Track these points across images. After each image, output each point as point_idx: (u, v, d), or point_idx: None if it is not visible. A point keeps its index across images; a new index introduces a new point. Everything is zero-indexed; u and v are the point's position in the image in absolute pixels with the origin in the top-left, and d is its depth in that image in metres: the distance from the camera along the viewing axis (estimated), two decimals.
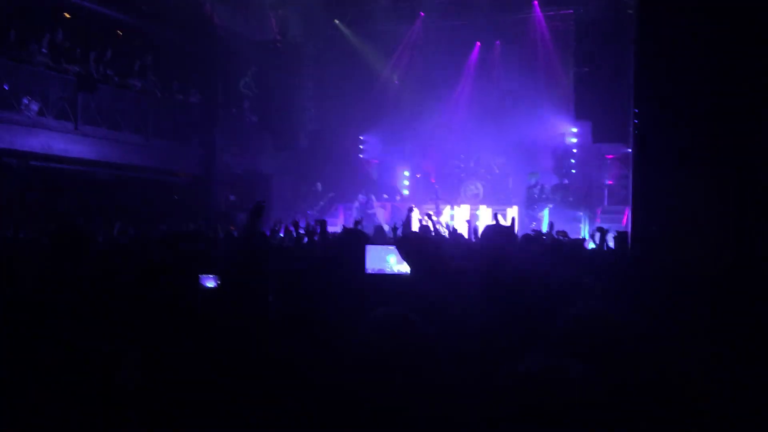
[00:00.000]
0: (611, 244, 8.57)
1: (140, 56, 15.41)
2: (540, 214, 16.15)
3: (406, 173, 19.34)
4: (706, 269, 2.98)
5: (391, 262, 3.16)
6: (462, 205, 17.19)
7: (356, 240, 3.68)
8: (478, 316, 2.23)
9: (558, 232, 7.34)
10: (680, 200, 3.21)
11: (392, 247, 3.11)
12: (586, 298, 2.36)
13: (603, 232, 9.55)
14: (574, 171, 17.47)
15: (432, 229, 7.74)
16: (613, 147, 15.83)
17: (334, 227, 14.01)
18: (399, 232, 8.42)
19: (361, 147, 19.87)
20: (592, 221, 15.41)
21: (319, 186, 18.76)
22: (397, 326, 1.82)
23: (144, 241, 7.76)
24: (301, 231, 8.39)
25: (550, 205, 16.19)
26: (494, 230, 4.34)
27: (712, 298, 2.57)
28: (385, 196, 18.53)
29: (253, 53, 17.67)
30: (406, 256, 2.68)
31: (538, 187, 16.50)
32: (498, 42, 18.74)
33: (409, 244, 2.73)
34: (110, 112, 14.10)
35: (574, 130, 17.37)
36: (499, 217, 9.81)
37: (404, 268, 3.01)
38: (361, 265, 3.11)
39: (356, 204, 17.35)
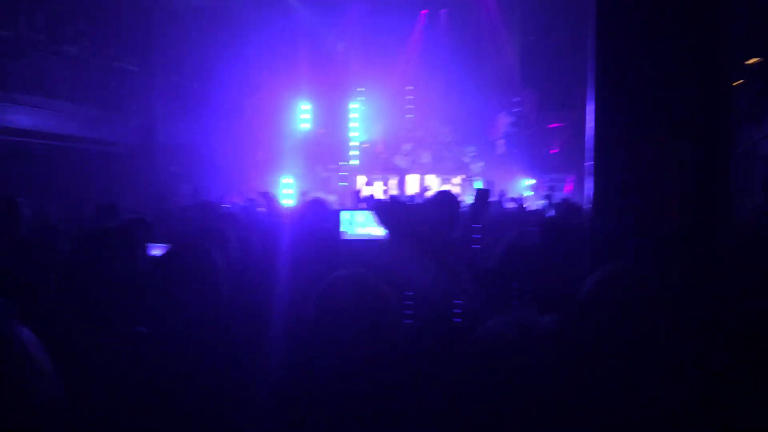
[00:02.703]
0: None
1: (74, 21, 14.72)
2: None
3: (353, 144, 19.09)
4: (667, 237, 2.98)
5: (365, 226, 3.08)
6: (411, 175, 17.19)
7: (322, 207, 3.59)
8: (450, 280, 2.16)
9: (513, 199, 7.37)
10: (640, 170, 3.19)
11: (364, 212, 3.03)
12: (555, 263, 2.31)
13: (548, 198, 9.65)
14: (518, 141, 17.63)
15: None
16: (558, 116, 16.01)
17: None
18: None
19: (303, 116, 19.54)
20: (536, 190, 15.60)
21: (260, 156, 18.41)
22: (354, 286, 1.74)
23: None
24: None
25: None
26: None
27: (673, 266, 2.57)
28: (332, 166, 18.36)
29: (193, 19, 17.11)
30: (382, 220, 2.61)
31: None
32: (444, 10, 18.64)
33: (386, 209, 2.66)
34: (43, 79, 13.46)
35: (518, 99, 17.48)
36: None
37: (374, 232, 2.95)
38: (337, 230, 3.03)
39: None
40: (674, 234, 3.07)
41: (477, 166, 16.99)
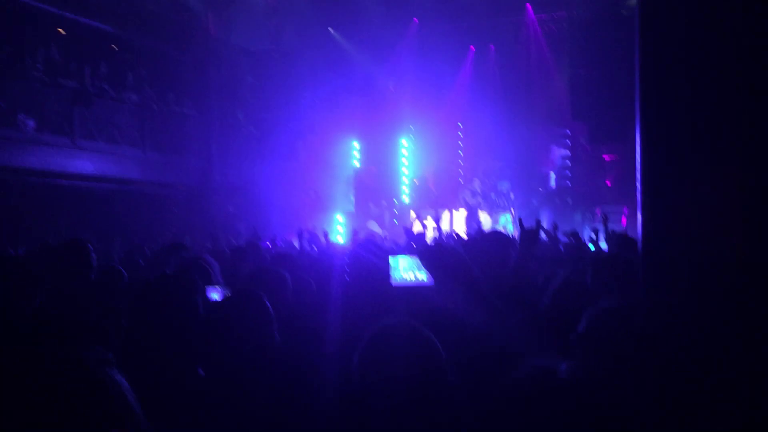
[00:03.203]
0: (603, 245, 8.55)
1: (135, 69, 15.42)
2: (502, 219, 16.31)
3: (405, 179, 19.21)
4: (722, 268, 2.95)
5: (411, 271, 3.13)
6: (460, 210, 17.18)
7: (375, 250, 3.67)
8: (497, 325, 2.21)
9: (565, 233, 7.31)
10: (690, 198, 3.18)
11: (412, 257, 3.07)
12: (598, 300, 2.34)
13: (596, 233, 9.53)
14: (570, 173, 17.50)
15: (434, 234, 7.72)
16: (609, 148, 15.87)
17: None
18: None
19: (356, 154, 19.82)
20: (590, 223, 15.40)
21: (313, 194, 18.72)
22: (401, 336, 1.80)
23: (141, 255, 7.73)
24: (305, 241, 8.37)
25: (512, 211, 16.38)
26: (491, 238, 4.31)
27: (730, 296, 2.55)
28: (384, 202, 18.51)
29: (248, 63, 17.69)
30: (429, 265, 2.65)
31: (504, 193, 16.77)
32: (492, 46, 18.77)
33: (432, 253, 2.71)
34: (107, 125, 14.10)
35: (569, 132, 17.39)
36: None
37: (423, 276, 3.00)
38: (387, 277, 3.08)
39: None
40: (732, 269, 3.04)
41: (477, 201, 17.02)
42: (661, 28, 3.56)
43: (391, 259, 3.06)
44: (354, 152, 19.44)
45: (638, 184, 3.62)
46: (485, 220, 16.20)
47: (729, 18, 3.44)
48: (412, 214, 17.24)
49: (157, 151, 15.30)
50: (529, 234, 3.74)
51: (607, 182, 17.05)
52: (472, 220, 16.24)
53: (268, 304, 2.35)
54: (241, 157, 17.48)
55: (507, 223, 15.90)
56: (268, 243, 9.93)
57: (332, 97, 18.45)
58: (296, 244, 8.70)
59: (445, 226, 16.24)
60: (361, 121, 18.64)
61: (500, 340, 2.11)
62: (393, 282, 3.03)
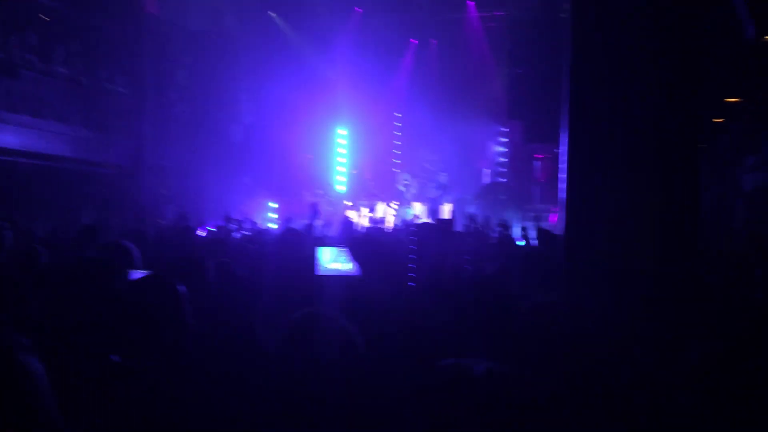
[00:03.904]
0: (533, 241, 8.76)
1: (66, 42, 14.81)
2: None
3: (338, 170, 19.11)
4: (642, 267, 3.07)
5: (338, 262, 3.12)
6: (396, 202, 17.27)
7: (300, 240, 3.63)
8: (424, 316, 2.22)
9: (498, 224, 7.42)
10: (611, 200, 3.28)
11: (340, 248, 3.07)
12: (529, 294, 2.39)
13: (525, 229, 9.73)
14: (505, 170, 17.83)
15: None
16: (543, 147, 16.20)
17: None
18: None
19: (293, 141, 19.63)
20: (520, 219, 15.72)
21: (247, 180, 18.45)
22: (320, 324, 1.79)
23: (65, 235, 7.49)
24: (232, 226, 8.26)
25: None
26: (429, 227, 4.36)
27: (650, 293, 2.65)
28: (319, 191, 18.41)
29: (184, 42, 17.25)
30: (356, 256, 2.65)
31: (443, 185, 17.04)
32: (434, 41, 18.89)
33: (360, 244, 2.71)
34: (32, 99, 13.51)
35: (506, 129, 17.70)
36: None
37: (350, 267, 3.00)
38: (311, 266, 3.07)
39: None
40: (645, 264, 3.16)
41: (409, 193, 17.26)
42: (590, 33, 3.65)
43: (318, 250, 3.05)
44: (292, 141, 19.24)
45: (562, 185, 3.72)
46: (419, 212, 16.33)
47: (665, 33, 3.54)
48: (347, 204, 17.24)
49: (86, 128, 14.76)
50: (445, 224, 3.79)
51: (539, 181, 17.46)
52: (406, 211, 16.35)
53: (182, 290, 2.30)
54: (174, 139, 17.06)
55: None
56: (207, 228, 9.75)
57: (270, 83, 18.21)
58: (228, 228, 8.58)
59: (382, 217, 16.29)
60: (297, 108, 18.46)
61: (424, 333, 2.12)
62: (319, 271, 3.02)
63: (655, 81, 3.49)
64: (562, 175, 3.50)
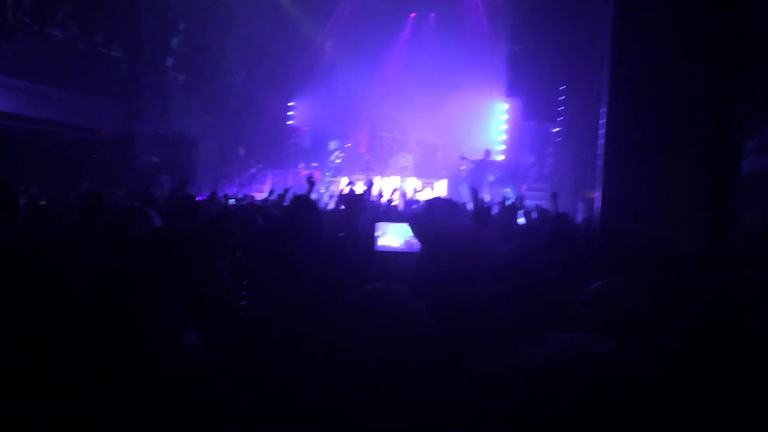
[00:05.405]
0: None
1: (62, 5, 14.49)
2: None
3: (332, 145, 18.91)
4: (677, 256, 3.05)
5: (399, 237, 3.04)
6: (391, 177, 17.20)
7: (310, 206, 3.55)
8: (489, 298, 2.17)
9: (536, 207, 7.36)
10: (651, 187, 3.26)
11: (399, 224, 3.00)
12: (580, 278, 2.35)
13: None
14: (504, 147, 17.78)
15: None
16: (542, 125, 16.16)
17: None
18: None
19: (290, 113, 19.46)
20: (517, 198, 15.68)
21: (241, 151, 18.30)
22: (388, 300, 1.73)
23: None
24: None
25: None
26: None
27: (686, 284, 2.62)
28: (314, 164, 18.30)
29: (181, 9, 16.95)
30: (418, 231, 2.59)
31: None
32: (432, 14, 18.70)
33: (421, 220, 2.64)
34: (26, 62, 13.24)
35: (506, 106, 17.60)
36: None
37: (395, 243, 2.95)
38: (371, 243, 2.99)
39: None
40: (684, 241, 3.15)
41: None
42: (630, 25, 3.60)
43: (378, 225, 2.99)
44: (288, 112, 19.14)
45: (600, 171, 3.68)
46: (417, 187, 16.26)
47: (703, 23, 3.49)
48: (345, 180, 17.15)
49: (80, 93, 14.50)
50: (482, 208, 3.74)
51: (531, 159, 17.41)
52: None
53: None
54: (169, 107, 16.84)
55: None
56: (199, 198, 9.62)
57: (268, 53, 18.00)
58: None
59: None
60: (297, 80, 18.30)
61: (490, 312, 2.07)
62: (378, 247, 2.96)
63: (689, 66, 3.45)
64: (600, 159, 3.47)
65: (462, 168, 16.59)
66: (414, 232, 2.67)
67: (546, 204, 10.33)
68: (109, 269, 2.34)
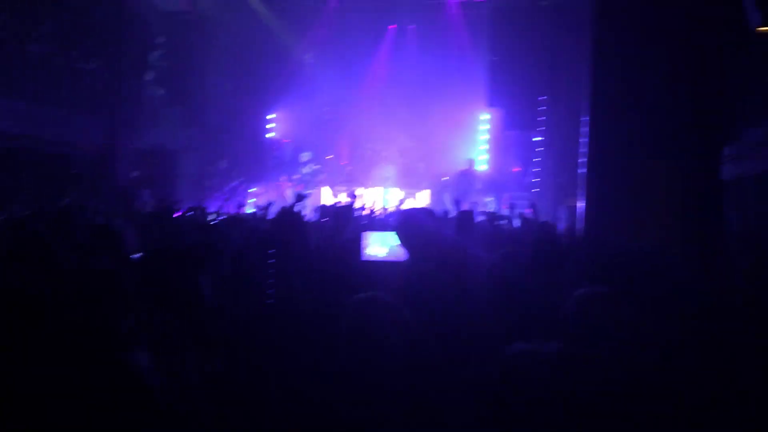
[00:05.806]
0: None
1: (39, 18, 14.37)
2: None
3: (305, 156, 18.69)
4: (659, 260, 3.06)
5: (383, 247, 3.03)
6: (374, 188, 17.23)
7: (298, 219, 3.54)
8: (474, 303, 2.18)
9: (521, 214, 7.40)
10: (632, 192, 3.28)
11: (384, 233, 2.99)
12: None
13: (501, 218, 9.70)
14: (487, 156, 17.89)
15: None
16: (522, 134, 16.27)
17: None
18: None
19: (269, 126, 19.40)
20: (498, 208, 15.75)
21: (223, 164, 18.21)
22: (376, 309, 1.75)
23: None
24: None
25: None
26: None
27: (669, 289, 2.63)
28: (296, 176, 18.24)
29: (161, 24, 16.89)
30: (405, 240, 2.59)
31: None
32: (413, 26, 18.78)
33: (408, 228, 2.64)
34: (3, 77, 13.09)
35: (487, 116, 17.70)
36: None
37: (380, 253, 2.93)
38: (357, 252, 3.00)
39: None
40: (668, 243, 3.16)
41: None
42: (608, 31, 3.63)
43: (364, 235, 2.98)
44: (268, 125, 19.12)
45: (582, 172, 3.69)
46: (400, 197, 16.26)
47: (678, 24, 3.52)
48: (327, 191, 17.15)
49: (58, 108, 14.34)
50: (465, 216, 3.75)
51: (516, 169, 17.51)
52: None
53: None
54: (149, 120, 16.73)
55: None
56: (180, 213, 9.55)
57: (248, 65, 17.99)
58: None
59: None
60: (277, 91, 18.27)
61: (475, 319, 2.07)
62: (364, 257, 2.95)
63: (669, 73, 3.49)
64: (582, 167, 3.48)
65: (444, 179, 16.66)
66: (401, 241, 2.66)
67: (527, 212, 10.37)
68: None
